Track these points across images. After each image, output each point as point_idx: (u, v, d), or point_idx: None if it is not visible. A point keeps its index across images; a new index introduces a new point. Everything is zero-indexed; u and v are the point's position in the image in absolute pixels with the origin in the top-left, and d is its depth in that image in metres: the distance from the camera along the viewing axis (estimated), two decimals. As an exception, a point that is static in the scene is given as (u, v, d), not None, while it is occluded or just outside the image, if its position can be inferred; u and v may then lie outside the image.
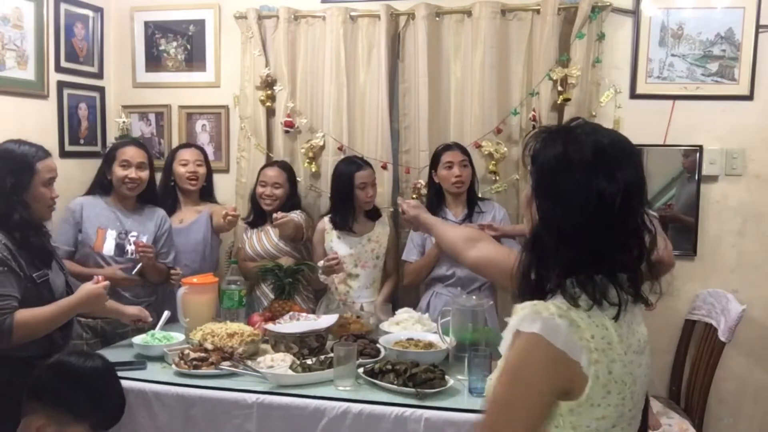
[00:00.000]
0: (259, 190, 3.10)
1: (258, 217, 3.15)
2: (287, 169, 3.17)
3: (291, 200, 3.11)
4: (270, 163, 3.24)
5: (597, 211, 1.10)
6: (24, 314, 2.02)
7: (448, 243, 1.92)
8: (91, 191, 2.83)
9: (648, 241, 1.16)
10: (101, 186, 2.81)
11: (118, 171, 2.73)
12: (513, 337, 1.12)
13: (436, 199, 3.00)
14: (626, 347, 1.12)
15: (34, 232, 2.18)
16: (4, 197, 2.10)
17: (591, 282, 1.11)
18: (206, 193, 3.21)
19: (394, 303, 2.95)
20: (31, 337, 2.05)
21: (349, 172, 2.98)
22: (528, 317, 1.10)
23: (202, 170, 3.12)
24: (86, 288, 2.16)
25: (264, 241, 3.08)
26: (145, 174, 2.77)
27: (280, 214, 2.86)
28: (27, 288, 2.08)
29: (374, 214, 3.09)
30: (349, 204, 2.98)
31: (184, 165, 3.09)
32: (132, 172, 2.73)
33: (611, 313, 1.11)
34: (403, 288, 3.18)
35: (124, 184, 2.73)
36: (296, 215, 2.98)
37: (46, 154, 2.22)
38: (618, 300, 1.11)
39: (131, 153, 2.75)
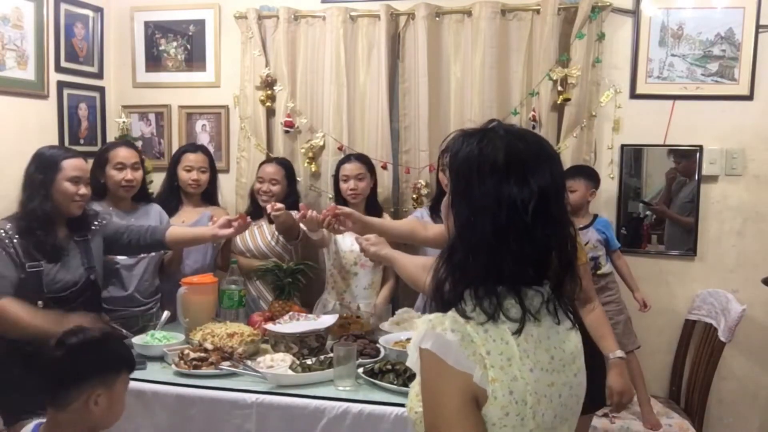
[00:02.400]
0: (257, 186, 3.09)
1: (255, 211, 3.13)
2: (286, 166, 3.14)
3: (289, 198, 3.07)
4: (269, 159, 3.22)
5: (508, 220, 1.04)
6: (7, 306, 2.09)
7: (407, 274, 1.95)
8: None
9: (570, 253, 1.10)
10: (95, 191, 2.80)
11: (114, 174, 2.72)
12: (418, 353, 1.08)
13: (441, 198, 3.02)
14: (532, 364, 1.05)
15: (47, 226, 2.25)
16: (31, 189, 2.27)
17: (490, 295, 1.05)
18: (208, 197, 3.18)
19: (394, 303, 2.94)
20: (1, 332, 2.12)
21: (337, 166, 3.04)
22: (426, 333, 1.06)
23: (205, 177, 3.09)
24: (71, 320, 2.07)
25: (257, 237, 3.06)
26: (139, 174, 2.77)
27: (276, 206, 2.81)
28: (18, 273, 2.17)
29: (376, 215, 3.08)
30: (338, 196, 3.00)
31: (188, 171, 3.06)
32: (128, 174, 2.72)
33: (514, 327, 1.05)
34: (402, 288, 3.17)
35: (122, 187, 2.73)
36: (295, 213, 2.97)
37: (75, 155, 2.38)
38: (522, 315, 1.05)
39: (124, 154, 2.73)
